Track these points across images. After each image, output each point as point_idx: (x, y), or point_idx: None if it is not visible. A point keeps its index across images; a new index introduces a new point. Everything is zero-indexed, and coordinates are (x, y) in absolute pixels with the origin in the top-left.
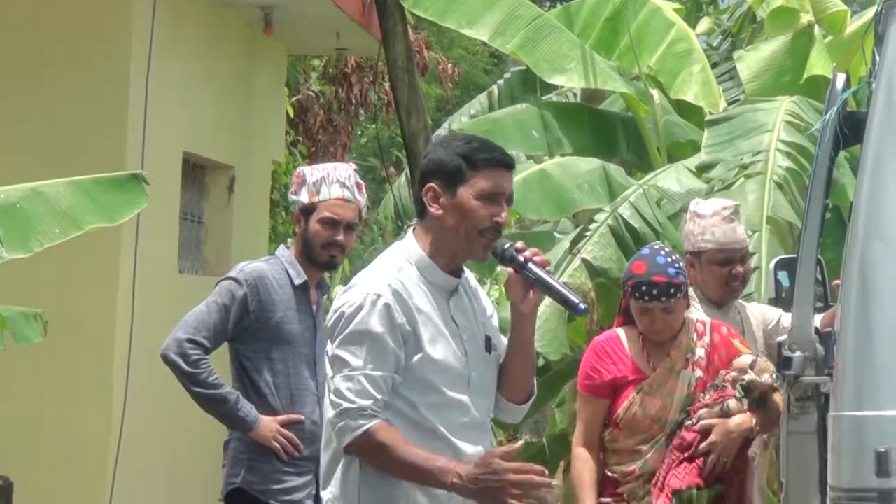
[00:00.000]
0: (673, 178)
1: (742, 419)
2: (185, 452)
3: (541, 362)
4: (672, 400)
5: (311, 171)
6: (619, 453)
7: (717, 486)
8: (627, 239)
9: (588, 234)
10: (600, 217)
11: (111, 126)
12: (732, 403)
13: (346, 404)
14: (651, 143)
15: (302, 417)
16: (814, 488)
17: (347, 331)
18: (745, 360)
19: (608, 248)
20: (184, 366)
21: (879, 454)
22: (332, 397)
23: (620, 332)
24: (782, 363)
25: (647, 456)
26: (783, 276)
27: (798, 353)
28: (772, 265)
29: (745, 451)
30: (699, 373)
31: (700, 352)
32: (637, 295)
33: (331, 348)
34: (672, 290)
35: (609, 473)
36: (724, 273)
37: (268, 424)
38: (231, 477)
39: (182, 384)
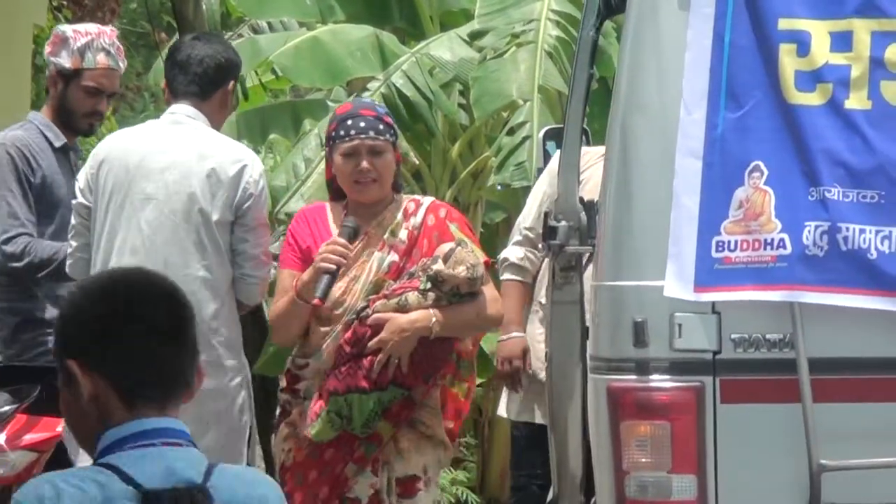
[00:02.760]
0: (445, 46)
1: (418, 316)
2: None
3: None
4: (358, 284)
5: (75, 35)
6: (307, 346)
7: (395, 391)
8: (400, 107)
9: None
10: (373, 85)
11: None
12: (412, 297)
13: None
14: (424, 12)
15: None
16: (576, 358)
17: (264, 199)
18: (444, 247)
19: None
20: (18, 264)
21: (637, 324)
22: (263, 257)
23: (327, 205)
24: (547, 233)
25: (324, 347)
26: (551, 146)
27: (563, 223)
28: (540, 135)
29: (436, 353)
30: (395, 257)
31: (402, 233)
32: (342, 134)
33: (256, 218)
34: (381, 128)
35: (289, 366)
36: None
37: None
38: None
39: (31, 280)
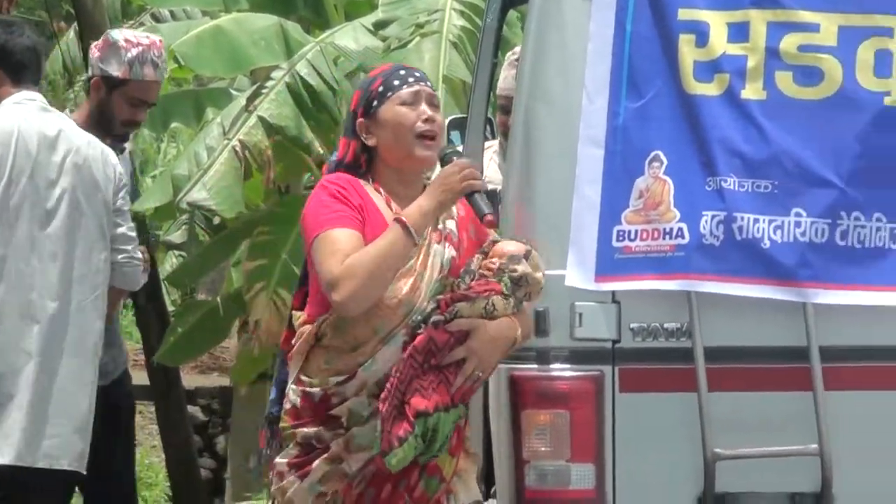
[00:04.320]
0: (350, 36)
1: (505, 324)
2: None
3: (217, 220)
4: (422, 282)
5: (126, 44)
6: (333, 354)
7: (462, 409)
8: (304, 97)
9: (265, 91)
10: (277, 74)
11: None
12: (499, 302)
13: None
14: (328, 1)
15: None
16: None
17: None
18: (511, 246)
19: (285, 106)
20: None
21: (538, 313)
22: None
23: (360, 181)
24: None
25: (378, 353)
26: (455, 136)
27: None
28: (445, 124)
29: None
30: (452, 251)
31: (450, 224)
32: (397, 83)
33: (127, 202)
34: (433, 88)
35: (310, 389)
36: (506, 120)
37: None
38: None
39: None
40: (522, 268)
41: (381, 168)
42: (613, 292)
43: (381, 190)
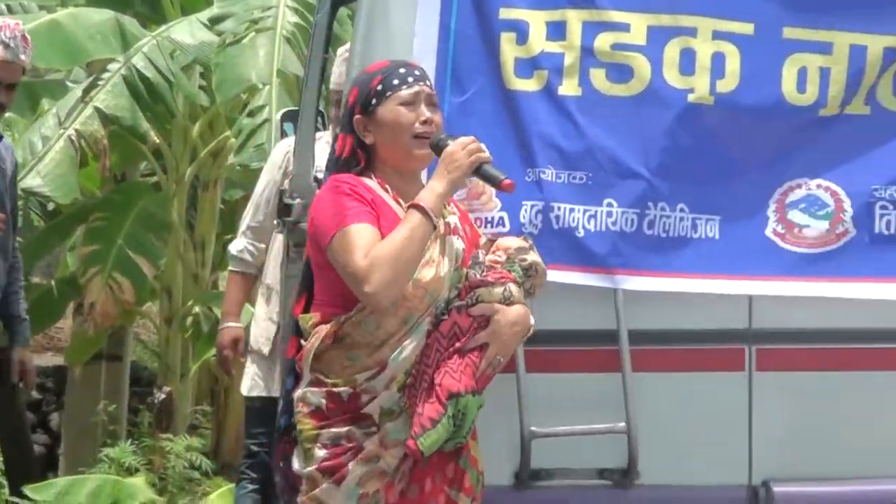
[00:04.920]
0: (186, 30)
1: (524, 311)
2: None
3: (51, 206)
4: (443, 270)
5: None
6: (356, 352)
7: (482, 398)
8: (141, 88)
9: (101, 83)
10: (113, 67)
11: None
12: (515, 289)
13: None
14: None
15: None
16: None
17: None
18: (514, 241)
19: (121, 97)
20: None
21: None
22: None
23: (363, 179)
24: (282, 210)
25: (406, 342)
26: (289, 128)
27: (298, 200)
28: (278, 117)
29: None
30: (462, 244)
31: (453, 219)
32: (396, 83)
33: None
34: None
35: (336, 389)
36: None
37: None
38: None
39: None
40: (532, 257)
41: (380, 165)
42: None
43: (388, 187)
